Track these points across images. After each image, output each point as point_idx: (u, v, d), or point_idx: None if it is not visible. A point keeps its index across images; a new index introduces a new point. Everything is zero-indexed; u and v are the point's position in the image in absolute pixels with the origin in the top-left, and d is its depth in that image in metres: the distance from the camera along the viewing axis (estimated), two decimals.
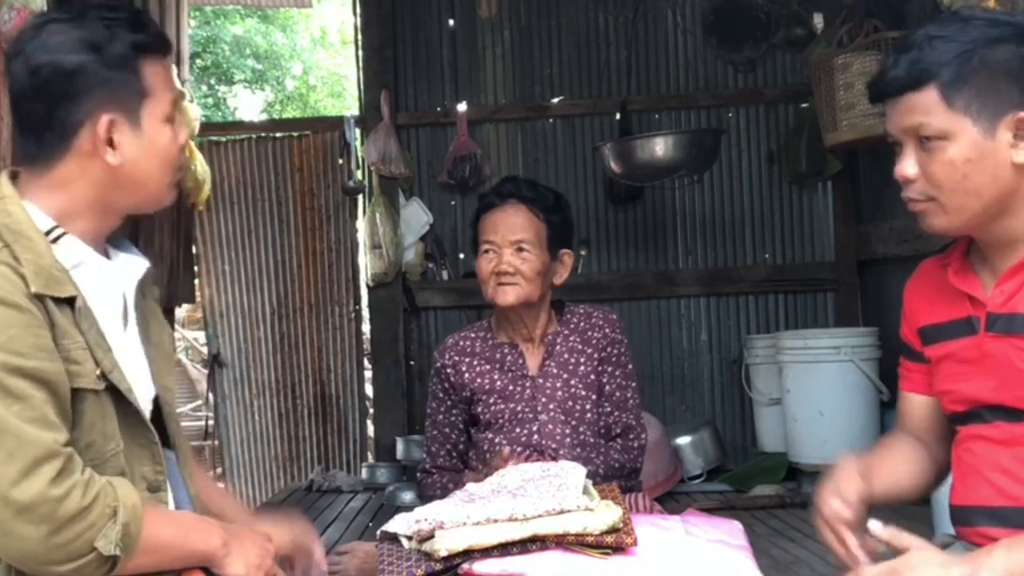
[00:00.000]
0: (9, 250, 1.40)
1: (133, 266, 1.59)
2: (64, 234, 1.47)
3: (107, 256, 1.57)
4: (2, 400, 1.32)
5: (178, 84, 1.55)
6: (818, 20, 4.46)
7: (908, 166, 1.49)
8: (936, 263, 1.66)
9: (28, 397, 1.33)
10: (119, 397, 1.47)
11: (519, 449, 2.34)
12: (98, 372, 1.43)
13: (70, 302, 1.43)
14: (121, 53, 1.48)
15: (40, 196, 1.48)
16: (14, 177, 1.51)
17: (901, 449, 1.71)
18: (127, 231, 1.70)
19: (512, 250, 2.37)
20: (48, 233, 1.45)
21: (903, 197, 1.54)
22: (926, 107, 1.45)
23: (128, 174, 1.50)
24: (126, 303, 1.56)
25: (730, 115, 4.85)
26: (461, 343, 2.51)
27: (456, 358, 2.47)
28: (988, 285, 1.54)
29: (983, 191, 1.46)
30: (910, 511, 2.60)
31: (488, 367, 2.45)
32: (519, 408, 2.39)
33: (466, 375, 2.45)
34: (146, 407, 1.54)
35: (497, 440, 2.38)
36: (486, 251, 2.41)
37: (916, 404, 1.72)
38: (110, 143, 1.48)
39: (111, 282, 1.54)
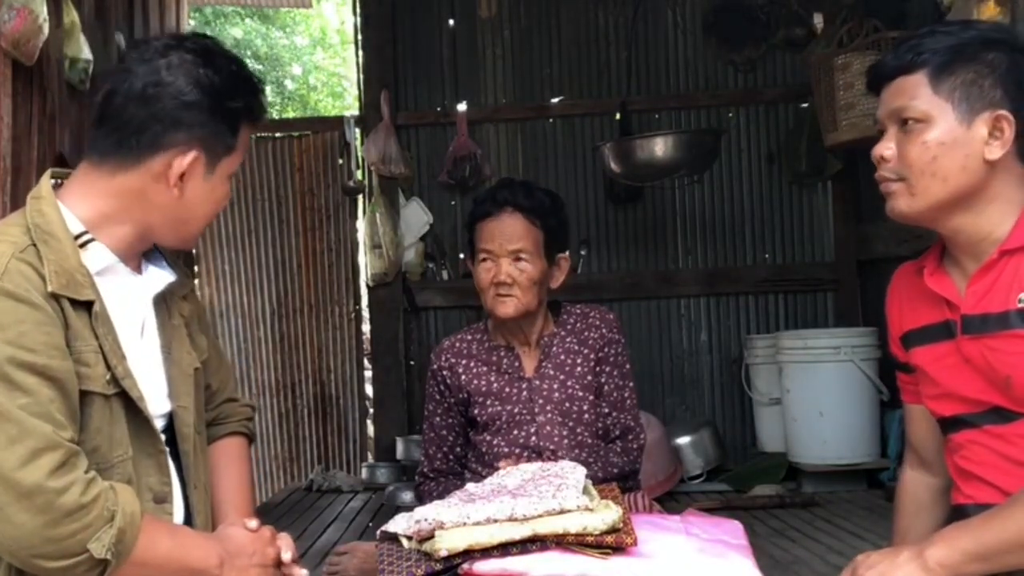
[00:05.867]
0: (35, 249, 1.41)
1: (159, 280, 1.60)
2: (93, 240, 1.48)
3: (140, 268, 1.58)
4: (8, 392, 1.32)
5: None
6: (818, 20, 4.46)
7: (885, 148, 1.57)
8: (911, 268, 1.70)
9: (34, 392, 1.33)
10: (130, 405, 1.47)
11: (517, 450, 2.34)
12: (108, 377, 1.44)
13: (88, 306, 1.44)
14: (233, 109, 1.52)
15: (87, 197, 1.49)
16: (56, 177, 1.53)
17: (922, 509, 1.77)
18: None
19: (510, 260, 2.35)
20: (78, 237, 1.47)
21: (876, 177, 1.61)
22: (914, 90, 1.54)
23: (178, 210, 1.53)
24: (145, 315, 1.57)
25: (730, 115, 4.85)
26: (457, 345, 2.50)
27: (452, 360, 2.46)
28: (961, 288, 1.57)
29: (950, 177, 1.51)
30: None
31: (485, 369, 2.44)
32: (516, 410, 2.38)
33: (463, 377, 2.44)
34: (159, 419, 1.54)
35: (495, 442, 2.37)
36: (484, 260, 2.39)
37: (918, 415, 1.74)
38: (181, 176, 1.50)
39: (134, 292, 1.55)
